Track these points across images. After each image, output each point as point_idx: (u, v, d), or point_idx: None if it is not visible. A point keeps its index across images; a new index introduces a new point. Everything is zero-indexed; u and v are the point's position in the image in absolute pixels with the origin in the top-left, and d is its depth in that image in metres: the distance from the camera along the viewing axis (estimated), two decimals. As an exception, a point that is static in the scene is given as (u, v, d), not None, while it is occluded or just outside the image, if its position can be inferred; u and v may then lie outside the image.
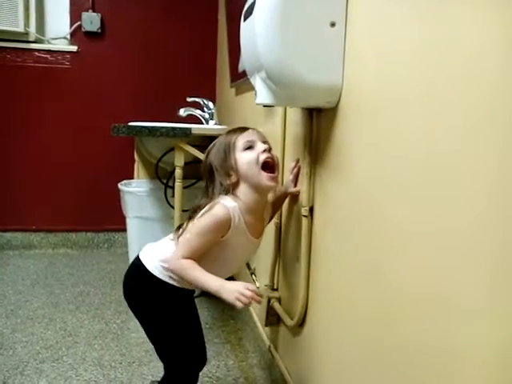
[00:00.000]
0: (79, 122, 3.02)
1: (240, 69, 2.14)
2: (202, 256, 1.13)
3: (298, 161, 1.32)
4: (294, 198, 1.35)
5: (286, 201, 1.40)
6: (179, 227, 1.20)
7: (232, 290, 1.04)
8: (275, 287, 1.58)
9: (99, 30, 2.95)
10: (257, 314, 1.85)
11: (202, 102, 2.58)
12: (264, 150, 1.16)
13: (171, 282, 1.17)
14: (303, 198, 1.24)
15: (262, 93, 1.13)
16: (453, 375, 0.64)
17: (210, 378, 1.66)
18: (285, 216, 1.48)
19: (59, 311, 2.17)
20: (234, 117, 2.47)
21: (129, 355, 1.80)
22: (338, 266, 1.07)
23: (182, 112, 2.42)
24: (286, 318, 1.41)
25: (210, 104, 2.59)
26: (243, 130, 1.21)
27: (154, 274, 1.17)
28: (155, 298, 1.20)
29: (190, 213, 1.19)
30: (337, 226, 1.09)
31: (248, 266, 1.94)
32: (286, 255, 1.48)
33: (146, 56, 3.06)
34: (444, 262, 0.66)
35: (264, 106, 1.24)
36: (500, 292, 0.56)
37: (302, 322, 1.30)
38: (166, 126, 1.96)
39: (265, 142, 1.19)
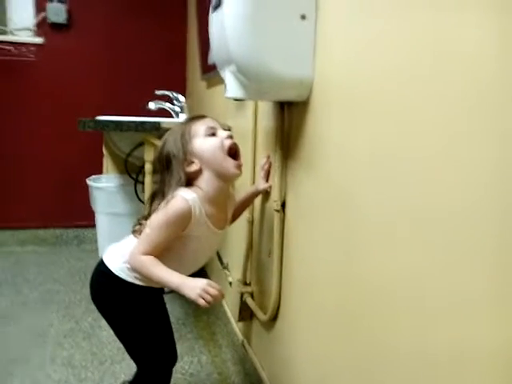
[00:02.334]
0: (46, 117, 2.94)
1: (210, 61, 2.12)
2: (164, 252, 1.09)
3: (268, 157, 1.31)
4: (266, 193, 1.34)
5: (259, 196, 1.39)
6: (139, 223, 1.17)
7: (194, 287, 1.00)
8: (248, 282, 1.57)
9: (66, 22, 2.87)
10: (230, 309, 1.84)
11: (171, 95, 2.55)
12: (228, 137, 1.13)
13: (138, 282, 1.14)
14: (275, 193, 1.23)
15: (232, 86, 1.11)
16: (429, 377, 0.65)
17: (183, 374, 1.65)
18: (257, 211, 1.47)
19: (27, 310, 2.12)
20: (205, 110, 2.44)
21: (100, 354, 1.77)
22: (311, 260, 1.07)
23: (152, 105, 2.38)
24: (258, 312, 1.41)
25: (180, 97, 2.56)
26: (201, 117, 1.18)
27: (120, 276, 1.14)
28: (123, 300, 1.17)
29: (147, 207, 1.16)
30: (309, 220, 1.08)
31: (220, 260, 1.93)
32: (259, 250, 1.47)
33: (114, 49, 3.00)
34: (418, 258, 0.66)
35: (235, 99, 1.22)
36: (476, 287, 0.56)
37: (274, 317, 1.30)
38: (134, 120, 1.93)
39: (225, 129, 1.16)
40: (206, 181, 1.12)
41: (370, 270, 0.80)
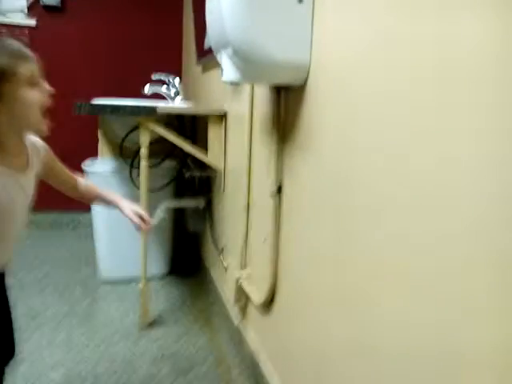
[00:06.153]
0: (40, 100, 2.91)
1: (206, 45, 2.10)
2: None
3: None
4: (262, 177, 1.34)
5: (254, 181, 1.39)
6: None
7: None
8: (244, 266, 1.58)
9: (59, 5, 2.84)
10: (226, 293, 1.85)
11: (167, 80, 2.53)
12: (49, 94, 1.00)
13: None
14: (271, 177, 1.24)
15: (228, 70, 1.11)
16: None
17: (180, 357, 1.66)
18: (253, 196, 1.47)
19: (23, 294, 2.13)
20: (201, 94, 2.43)
21: (96, 337, 1.77)
22: (306, 244, 1.08)
23: (148, 89, 2.36)
24: (254, 296, 1.42)
25: (176, 81, 2.54)
26: (26, 57, 1.01)
27: None
28: None
29: None
30: (305, 205, 1.09)
31: (216, 246, 1.94)
32: (255, 234, 1.48)
33: (109, 32, 2.97)
34: (409, 244, 0.67)
35: (231, 83, 1.22)
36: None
37: (270, 300, 1.31)
38: (130, 105, 1.91)
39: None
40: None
41: (366, 253, 0.80)
